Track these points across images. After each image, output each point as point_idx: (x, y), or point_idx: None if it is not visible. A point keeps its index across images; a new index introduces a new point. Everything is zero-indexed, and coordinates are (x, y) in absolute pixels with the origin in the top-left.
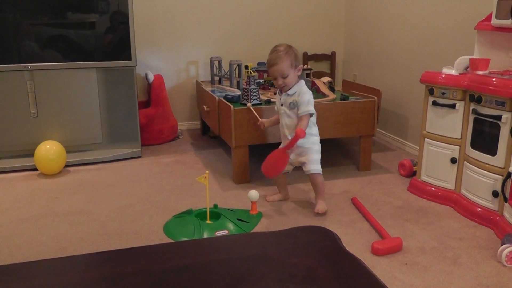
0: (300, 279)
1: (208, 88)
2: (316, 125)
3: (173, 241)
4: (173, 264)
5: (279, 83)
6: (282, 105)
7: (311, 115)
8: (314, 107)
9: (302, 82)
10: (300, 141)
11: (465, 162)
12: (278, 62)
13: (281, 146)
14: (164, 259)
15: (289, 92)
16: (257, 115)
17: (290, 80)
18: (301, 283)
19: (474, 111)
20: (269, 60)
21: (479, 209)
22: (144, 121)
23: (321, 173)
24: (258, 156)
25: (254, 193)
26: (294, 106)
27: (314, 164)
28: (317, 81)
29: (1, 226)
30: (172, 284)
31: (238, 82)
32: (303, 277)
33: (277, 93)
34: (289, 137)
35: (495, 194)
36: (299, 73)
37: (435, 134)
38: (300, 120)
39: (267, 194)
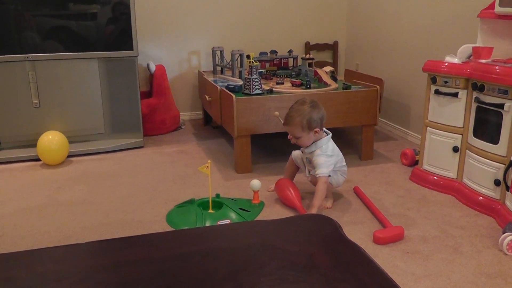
0: (301, 267)
1: (210, 78)
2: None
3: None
4: (175, 252)
5: (292, 141)
6: (304, 160)
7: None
8: (316, 97)
9: (321, 141)
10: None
11: (467, 151)
12: (289, 123)
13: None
14: (166, 247)
15: (306, 150)
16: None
17: (303, 141)
18: (302, 271)
19: (477, 100)
20: (285, 117)
21: (481, 197)
22: (146, 111)
23: (325, 176)
24: (260, 145)
25: (256, 183)
26: (310, 162)
27: (319, 168)
28: (319, 71)
29: (5, 216)
30: (173, 271)
31: (240, 72)
32: (304, 265)
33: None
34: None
35: (497, 182)
36: (316, 135)
37: (437, 123)
38: (317, 181)
39: (270, 184)
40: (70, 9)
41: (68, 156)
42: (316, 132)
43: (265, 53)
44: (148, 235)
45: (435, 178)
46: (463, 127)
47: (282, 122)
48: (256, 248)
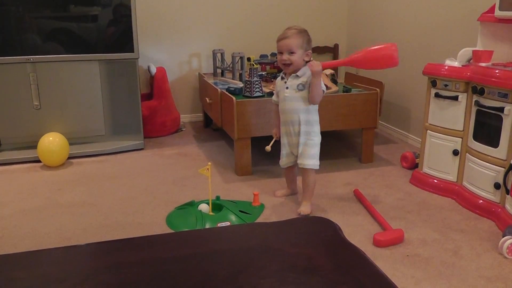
0: (301, 269)
1: (211, 81)
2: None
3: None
4: (175, 254)
5: (283, 58)
6: (287, 88)
7: (323, 91)
8: None
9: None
10: (305, 122)
11: (467, 154)
12: (288, 36)
13: (280, 139)
14: (166, 249)
15: (299, 73)
16: (271, 143)
17: (296, 59)
18: (302, 273)
19: (477, 103)
20: (279, 35)
21: (481, 201)
22: (147, 113)
23: (316, 169)
24: (261, 148)
25: (205, 207)
26: (303, 87)
27: (309, 158)
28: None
29: (5, 218)
30: (174, 273)
31: (240, 75)
32: (304, 267)
33: (277, 79)
34: (298, 124)
35: (497, 186)
36: (307, 58)
37: (437, 126)
38: (306, 173)
39: (271, 187)
40: (71, 11)
41: (69, 158)
42: (307, 54)
43: (266, 56)
44: (148, 236)
45: (435, 181)
46: (463, 131)
47: (272, 142)
48: (256, 250)
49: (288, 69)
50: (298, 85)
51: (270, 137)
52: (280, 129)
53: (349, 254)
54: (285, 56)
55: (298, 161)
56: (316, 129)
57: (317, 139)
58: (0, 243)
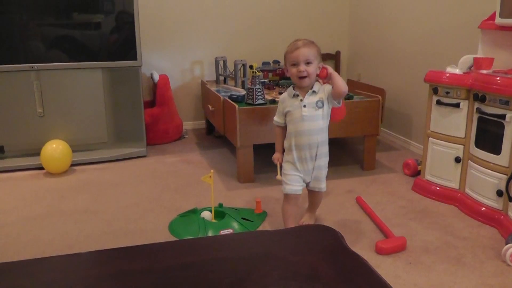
0: (303, 277)
1: (213, 88)
2: None
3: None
4: (178, 262)
5: (300, 70)
6: (305, 106)
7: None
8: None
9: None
10: (323, 142)
11: (469, 161)
12: (303, 45)
13: (290, 159)
14: (169, 257)
15: (315, 88)
16: (279, 171)
17: (313, 71)
18: (305, 281)
19: (478, 110)
20: (291, 46)
21: (483, 208)
22: (149, 120)
23: None
24: (263, 155)
25: (207, 214)
26: (322, 104)
27: (323, 181)
28: (321, 81)
29: (8, 225)
30: (176, 281)
31: (243, 82)
32: (307, 275)
33: (283, 96)
34: (317, 146)
35: (499, 193)
36: (318, 72)
37: (439, 133)
38: (319, 196)
39: (272, 194)
40: (74, 18)
41: (72, 165)
42: (319, 67)
43: (268, 63)
44: (151, 244)
45: (437, 188)
46: (465, 138)
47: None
48: (259, 258)
49: (305, 83)
50: (317, 102)
51: (272, 145)
52: (284, 154)
53: (351, 262)
54: (303, 67)
55: (312, 186)
56: (327, 150)
57: (328, 158)
58: (3, 250)
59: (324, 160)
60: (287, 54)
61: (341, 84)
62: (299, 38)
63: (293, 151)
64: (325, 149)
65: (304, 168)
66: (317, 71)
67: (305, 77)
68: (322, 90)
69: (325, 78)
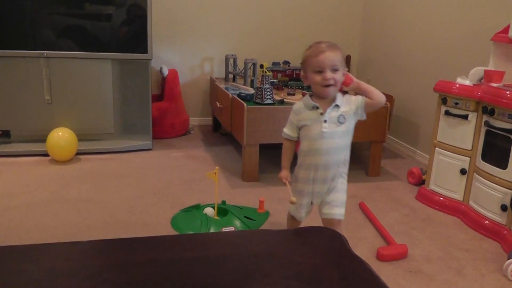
0: (306, 278)
1: (222, 85)
2: None
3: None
4: (182, 256)
5: (327, 77)
6: (325, 121)
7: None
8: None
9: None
10: (344, 162)
11: (474, 174)
12: (330, 49)
13: (305, 189)
14: (173, 251)
15: (337, 101)
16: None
17: (340, 79)
18: (308, 282)
19: (487, 123)
20: (315, 48)
21: (487, 222)
22: (157, 114)
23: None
24: (268, 155)
25: (210, 211)
26: (344, 119)
27: (341, 206)
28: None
29: (12, 209)
30: (180, 275)
31: (252, 81)
32: (310, 276)
33: (299, 107)
34: (336, 166)
35: (503, 208)
36: (342, 80)
37: (446, 144)
38: (334, 224)
39: (276, 194)
40: (86, 9)
41: (77, 154)
42: (344, 74)
43: (278, 63)
44: (155, 237)
45: (441, 199)
46: (471, 150)
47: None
48: (263, 257)
49: (330, 93)
50: (339, 117)
51: (279, 146)
52: (293, 172)
53: (354, 267)
54: (329, 74)
55: (327, 212)
56: (346, 171)
57: (347, 180)
58: (7, 234)
59: (342, 182)
60: (308, 58)
61: (378, 92)
62: (320, 40)
63: (307, 171)
64: (345, 170)
65: (317, 190)
66: (342, 78)
67: (330, 85)
68: (348, 102)
69: (348, 86)
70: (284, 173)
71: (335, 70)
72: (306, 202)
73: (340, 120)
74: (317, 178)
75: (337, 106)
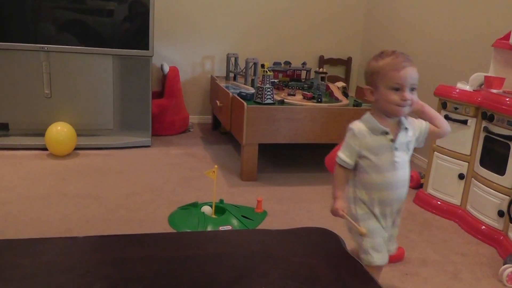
0: (303, 278)
1: (223, 84)
2: None
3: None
4: (180, 254)
5: (406, 97)
6: (396, 149)
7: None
8: (326, 112)
9: None
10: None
11: (472, 179)
12: (412, 64)
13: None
14: (170, 248)
15: (405, 123)
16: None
17: (416, 100)
18: (304, 282)
19: (486, 129)
20: (394, 61)
21: (484, 227)
22: (156, 111)
23: None
24: (267, 154)
25: (207, 209)
26: (411, 146)
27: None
28: (331, 86)
29: (9, 202)
30: (177, 273)
31: (253, 80)
32: (306, 276)
33: (359, 130)
34: (403, 198)
35: (500, 213)
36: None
37: (444, 148)
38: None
39: (275, 193)
40: (88, 3)
41: (75, 149)
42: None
43: (279, 64)
44: (153, 234)
45: (439, 203)
46: (470, 155)
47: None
48: (260, 256)
49: (403, 114)
50: (408, 143)
51: (277, 145)
52: (353, 203)
53: (351, 267)
54: (408, 94)
55: (394, 246)
56: None
57: None
58: (4, 227)
59: (400, 215)
60: (385, 72)
61: (444, 120)
62: (391, 50)
63: (373, 207)
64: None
65: (385, 226)
66: None
67: (407, 106)
68: (413, 126)
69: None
70: (340, 204)
71: (413, 89)
72: (383, 241)
73: (409, 147)
74: (382, 213)
75: (406, 129)
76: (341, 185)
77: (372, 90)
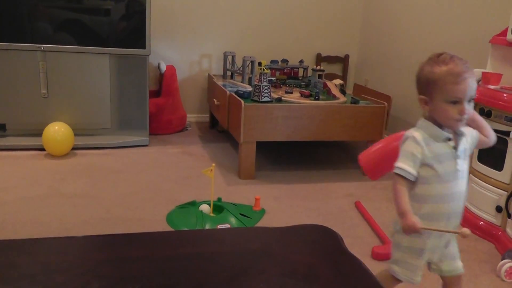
0: (301, 276)
1: (220, 82)
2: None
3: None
4: (177, 252)
5: (465, 112)
6: (458, 157)
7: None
8: (324, 109)
9: None
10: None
11: (470, 175)
12: (471, 74)
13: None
14: (168, 247)
15: (463, 129)
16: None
17: (472, 112)
18: (302, 280)
19: None
20: (454, 70)
21: (482, 222)
22: (154, 110)
23: None
24: (265, 152)
25: (205, 207)
26: (466, 154)
27: (459, 257)
28: (328, 83)
29: (7, 203)
30: (174, 271)
31: (250, 79)
32: (304, 274)
33: (418, 138)
34: (460, 215)
35: (498, 209)
36: None
37: None
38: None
39: (272, 191)
40: (85, 2)
41: (73, 149)
42: None
43: (276, 62)
44: (150, 233)
45: None
46: None
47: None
48: (258, 254)
49: (460, 127)
50: (466, 150)
51: (275, 143)
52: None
53: (350, 265)
54: (468, 108)
55: (448, 269)
56: None
57: None
58: (1, 227)
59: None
60: (443, 84)
61: (492, 130)
62: (449, 54)
63: (432, 222)
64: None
65: (434, 244)
66: None
67: (464, 119)
68: (467, 133)
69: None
70: (414, 218)
71: (470, 101)
72: (423, 262)
73: (467, 154)
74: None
75: (464, 135)
76: (406, 198)
77: (426, 100)
